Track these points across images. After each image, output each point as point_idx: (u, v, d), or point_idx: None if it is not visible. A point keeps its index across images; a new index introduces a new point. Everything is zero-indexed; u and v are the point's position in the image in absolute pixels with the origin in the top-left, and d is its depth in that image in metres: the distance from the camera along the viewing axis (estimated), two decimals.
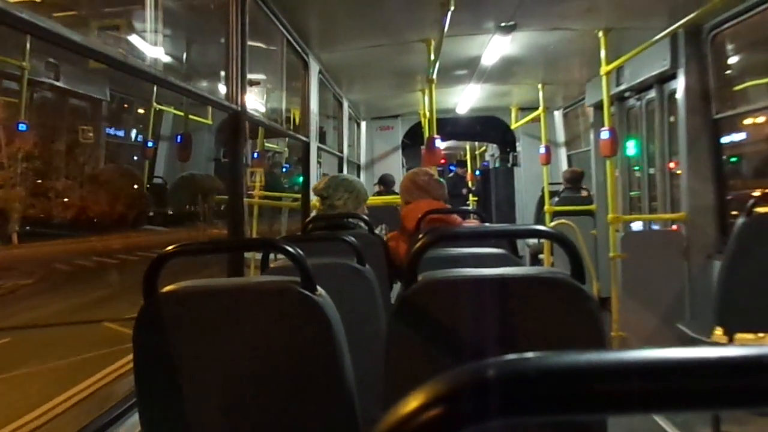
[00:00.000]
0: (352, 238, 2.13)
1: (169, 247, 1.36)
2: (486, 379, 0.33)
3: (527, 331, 1.26)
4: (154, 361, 1.34)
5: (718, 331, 2.92)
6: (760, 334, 2.97)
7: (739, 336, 2.91)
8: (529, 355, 0.34)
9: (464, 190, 11.16)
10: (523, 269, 1.43)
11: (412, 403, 0.33)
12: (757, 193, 3.81)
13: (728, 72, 4.19)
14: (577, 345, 1.25)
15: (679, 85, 4.20)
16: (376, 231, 3.12)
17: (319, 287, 1.34)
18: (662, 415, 3.16)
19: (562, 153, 7.77)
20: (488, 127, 8.96)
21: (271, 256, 2.36)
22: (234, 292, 1.36)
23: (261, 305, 1.32)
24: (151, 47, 2.65)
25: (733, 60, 4.21)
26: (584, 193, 6.57)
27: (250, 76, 3.03)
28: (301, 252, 1.34)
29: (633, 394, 0.33)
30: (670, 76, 4.38)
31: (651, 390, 0.32)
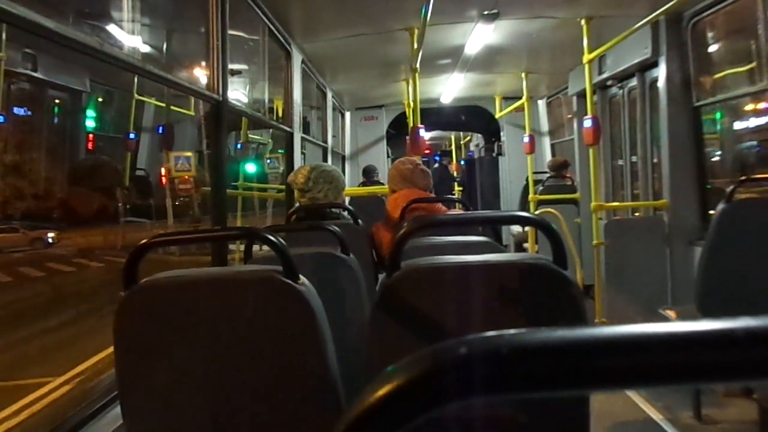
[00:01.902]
0: (336, 228, 2.12)
1: (145, 239, 1.34)
2: (461, 357, 0.33)
3: (510, 317, 1.27)
4: (136, 352, 1.33)
5: (699, 317, 2.96)
6: None
7: None
8: (503, 332, 0.33)
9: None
10: (505, 255, 1.44)
11: (384, 384, 0.33)
12: None
13: (708, 60, 4.23)
14: None
15: (660, 73, 4.23)
16: None
17: (302, 276, 1.33)
18: (640, 392, 3.21)
19: (546, 142, 7.81)
20: (472, 116, 8.98)
21: (256, 246, 2.34)
22: (215, 281, 1.35)
23: (243, 294, 1.31)
24: (128, 36, 2.61)
25: (713, 48, 4.25)
26: (568, 182, 6.62)
27: (231, 66, 3.00)
28: (283, 241, 1.33)
29: (608, 369, 0.32)
30: (651, 64, 4.41)
31: (626, 365, 0.32)
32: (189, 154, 6.42)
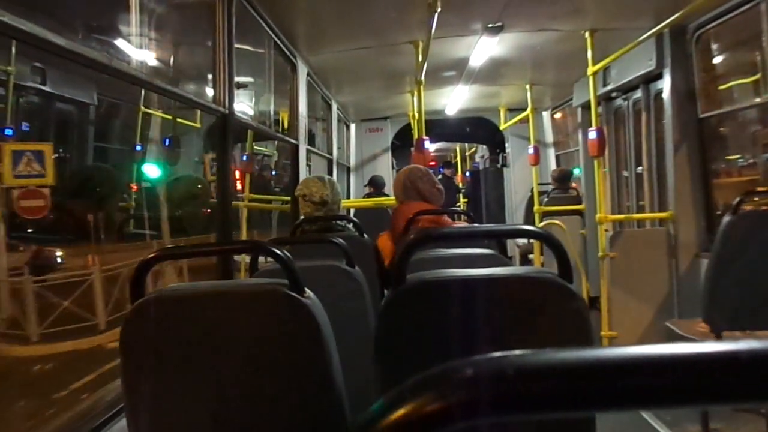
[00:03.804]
0: (341, 240, 2.13)
1: (153, 252, 1.35)
2: (466, 378, 0.33)
3: (515, 330, 1.27)
4: (142, 365, 1.33)
5: (706, 329, 2.94)
6: (747, 332, 3.00)
7: (726, 333, 2.93)
8: (508, 353, 0.34)
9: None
10: (510, 269, 1.44)
11: (389, 407, 0.33)
12: None
13: (713, 71, 4.23)
14: (565, 344, 1.25)
15: (665, 84, 4.23)
16: None
17: (307, 289, 1.33)
18: (650, 411, 3.19)
19: (551, 153, 7.81)
20: (477, 128, 8.99)
21: (261, 258, 2.35)
22: (221, 295, 1.35)
23: (248, 308, 1.31)
24: (136, 50, 2.64)
25: (717, 59, 4.25)
26: (573, 193, 6.61)
27: (237, 79, 3.02)
28: (288, 254, 1.34)
29: (610, 391, 0.33)
30: (656, 76, 4.42)
31: (635, 386, 0.33)
32: (43, 147, 3.93)
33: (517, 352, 0.33)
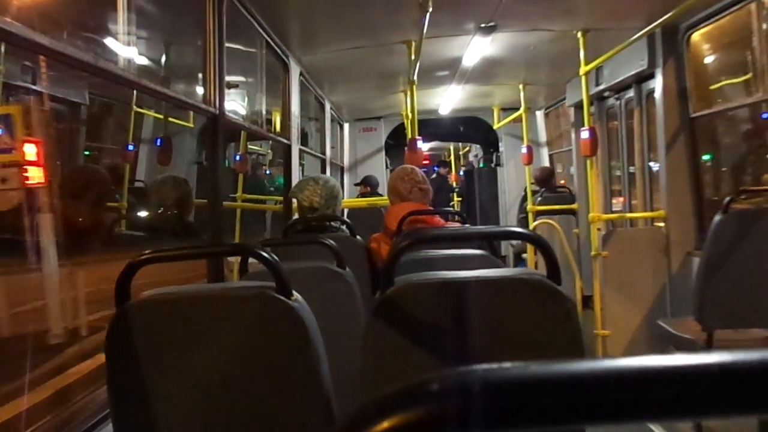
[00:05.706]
0: (332, 242, 2.12)
1: (141, 254, 1.33)
2: (432, 393, 0.32)
3: (504, 332, 1.26)
4: (128, 369, 1.32)
5: (697, 328, 2.95)
6: (739, 330, 3.01)
7: (718, 332, 2.94)
8: (478, 367, 0.33)
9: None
10: (499, 271, 1.43)
11: (355, 421, 0.32)
12: None
13: (705, 71, 4.24)
14: (554, 345, 1.25)
15: (657, 84, 4.24)
16: None
17: (295, 292, 1.32)
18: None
19: (545, 153, 7.82)
20: (471, 127, 8.99)
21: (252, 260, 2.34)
22: (207, 298, 1.34)
23: (235, 311, 1.30)
24: (124, 49, 2.61)
25: (709, 59, 4.27)
26: (565, 192, 6.62)
27: (228, 79, 3.00)
28: (275, 256, 1.33)
29: (609, 404, 0.32)
30: (647, 75, 4.43)
31: (628, 400, 0.32)
32: None
33: (486, 366, 0.33)
